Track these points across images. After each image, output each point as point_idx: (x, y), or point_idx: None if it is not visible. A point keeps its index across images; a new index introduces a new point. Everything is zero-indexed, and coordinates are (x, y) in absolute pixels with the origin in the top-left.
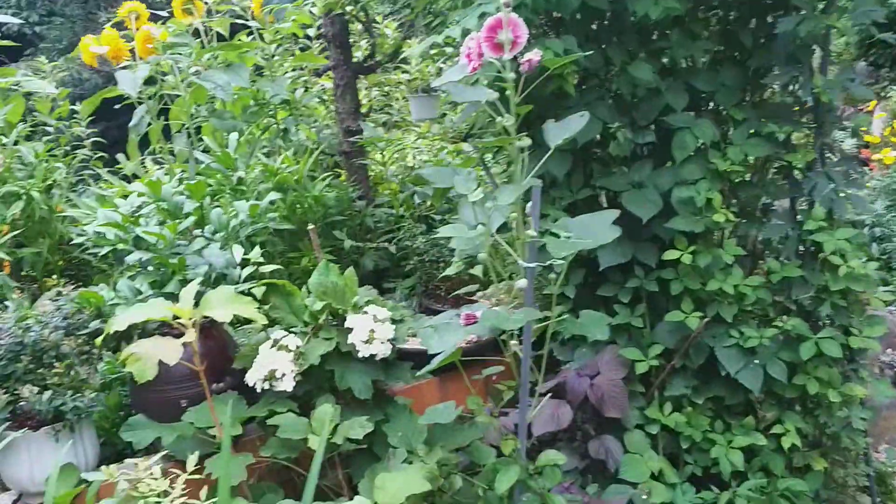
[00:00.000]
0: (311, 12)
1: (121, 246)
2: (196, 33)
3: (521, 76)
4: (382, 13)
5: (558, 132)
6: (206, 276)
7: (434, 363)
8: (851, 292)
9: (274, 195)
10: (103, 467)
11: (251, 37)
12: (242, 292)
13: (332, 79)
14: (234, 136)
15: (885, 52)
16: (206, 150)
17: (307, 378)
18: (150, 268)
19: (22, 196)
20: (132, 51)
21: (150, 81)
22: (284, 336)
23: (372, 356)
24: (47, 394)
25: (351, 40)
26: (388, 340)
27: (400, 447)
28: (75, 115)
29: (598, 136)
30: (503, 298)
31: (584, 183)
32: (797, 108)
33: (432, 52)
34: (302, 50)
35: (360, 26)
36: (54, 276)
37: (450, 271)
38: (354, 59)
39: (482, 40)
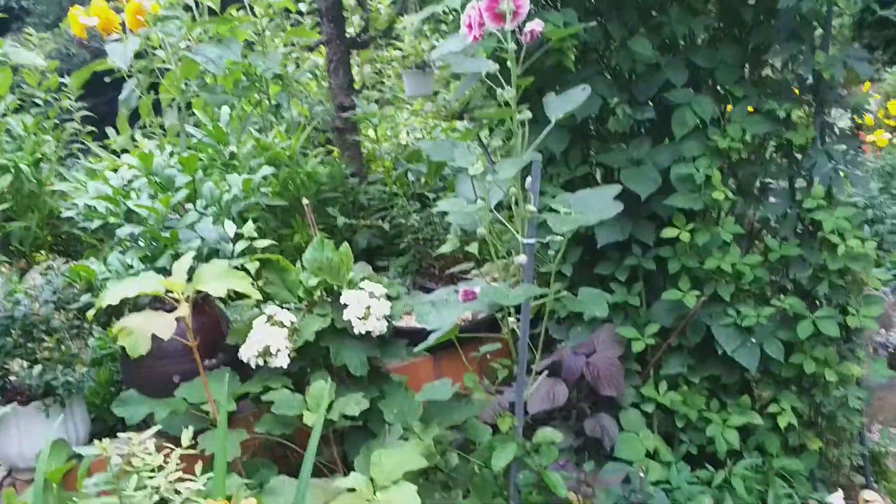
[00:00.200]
0: None
1: (112, 219)
2: (187, 7)
3: (522, 48)
4: None
5: (559, 105)
6: (199, 250)
7: (431, 339)
8: (849, 271)
9: (268, 169)
10: (96, 441)
11: (242, 11)
12: (236, 267)
13: (324, 54)
14: (225, 109)
15: (880, 34)
16: (196, 125)
17: (301, 354)
18: (141, 242)
19: (10, 169)
20: (122, 24)
21: (140, 55)
22: (279, 312)
23: (367, 333)
24: (37, 368)
25: (344, 15)
26: (384, 317)
27: (396, 424)
28: (64, 88)
29: (595, 113)
30: (498, 276)
31: (581, 160)
32: (797, 86)
33: (426, 27)
34: (294, 25)
35: (353, 1)
36: (43, 251)
37: (444, 249)
38: (348, 34)
39: (483, 9)
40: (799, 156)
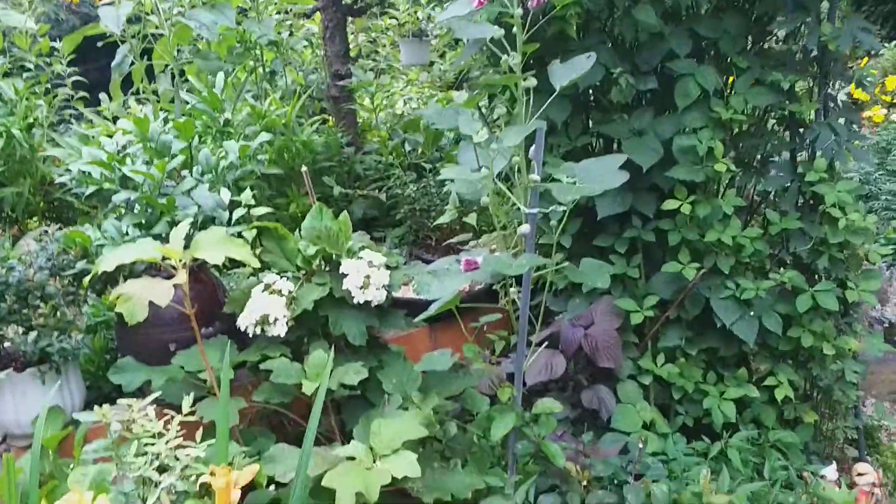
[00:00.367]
0: None
1: (107, 185)
2: None
3: (528, 13)
4: None
5: (564, 73)
6: (194, 218)
7: (433, 309)
8: (850, 245)
9: (265, 136)
10: (96, 407)
11: None
12: (233, 235)
13: (319, 22)
14: (220, 76)
15: (878, 8)
16: (190, 92)
17: (299, 324)
18: (136, 208)
19: (2, 133)
20: None
21: (132, 20)
22: (277, 280)
23: (366, 302)
24: (32, 335)
25: None
26: (384, 287)
27: (394, 394)
28: (56, 53)
29: (597, 83)
30: (497, 247)
31: (582, 130)
32: (801, 57)
33: None
34: None
35: None
36: (35, 218)
37: (443, 219)
38: (344, 1)
39: None
40: (801, 129)
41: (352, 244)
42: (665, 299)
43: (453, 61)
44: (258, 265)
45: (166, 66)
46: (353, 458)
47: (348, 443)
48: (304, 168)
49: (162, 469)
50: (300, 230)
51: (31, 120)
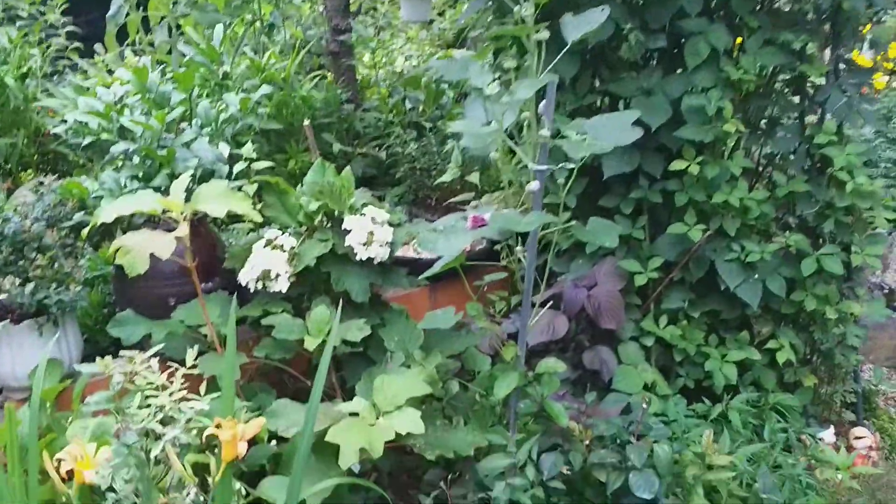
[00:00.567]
0: None
1: (104, 136)
2: None
3: None
4: None
5: (577, 26)
6: (194, 171)
7: (437, 266)
8: (856, 209)
9: (266, 88)
10: (98, 359)
11: None
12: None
13: None
14: (218, 28)
15: None
16: (187, 44)
17: (301, 280)
18: (135, 160)
19: None
20: None
21: None
22: (279, 236)
23: (369, 259)
24: (29, 286)
25: None
26: (387, 244)
27: (397, 352)
28: (49, 2)
29: (605, 39)
30: (498, 207)
31: (589, 88)
32: (814, 17)
33: None
34: None
35: None
36: (29, 171)
37: (445, 177)
38: None
39: None
40: (811, 90)
41: (355, 200)
42: (669, 261)
43: (455, 18)
44: (260, 219)
45: (163, 17)
46: (356, 414)
47: (349, 400)
48: (306, 122)
49: (165, 422)
50: (301, 186)
51: (24, 70)
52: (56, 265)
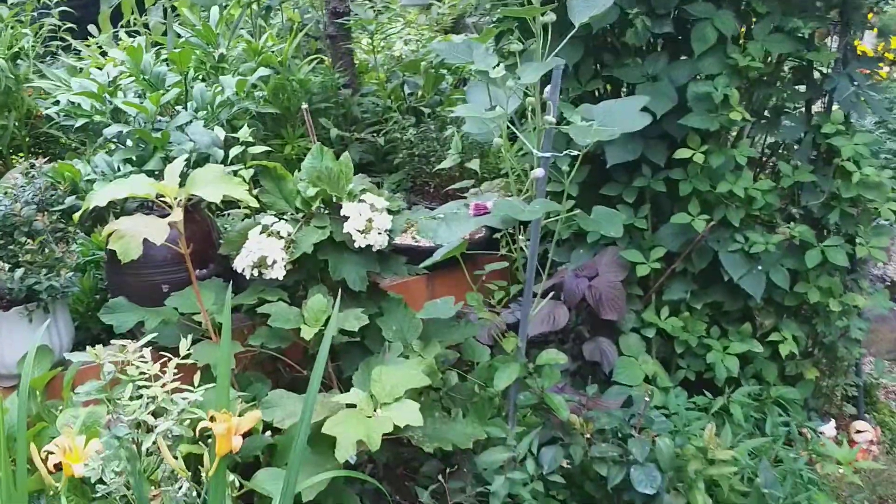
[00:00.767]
0: None
1: (97, 118)
2: None
3: None
4: None
5: (584, 9)
6: (188, 155)
7: (438, 255)
8: (862, 200)
9: (263, 71)
10: (89, 348)
11: None
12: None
13: None
14: (215, 9)
15: None
16: (183, 25)
17: (298, 267)
18: (129, 143)
19: None
20: None
21: None
22: (275, 222)
23: (367, 247)
24: (19, 271)
25: None
26: (385, 231)
27: (395, 342)
28: None
29: (610, 24)
30: (499, 194)
31: (593, 73)
32: (822, 5)
33: None
34: None
35: None
36: (21, 153)
37: (445, 164)
38: None
39: None
40: (818, 78)
41: (353, 187)
42: (672, 251)
43: (453, 3)
44: (256, 205)
45: None
46: (353, 406)
47: (345, 390)
48: (304, 105)
49: (158, 413)
50: (298, 171)
51: (16, 49)
52: (47, 250)
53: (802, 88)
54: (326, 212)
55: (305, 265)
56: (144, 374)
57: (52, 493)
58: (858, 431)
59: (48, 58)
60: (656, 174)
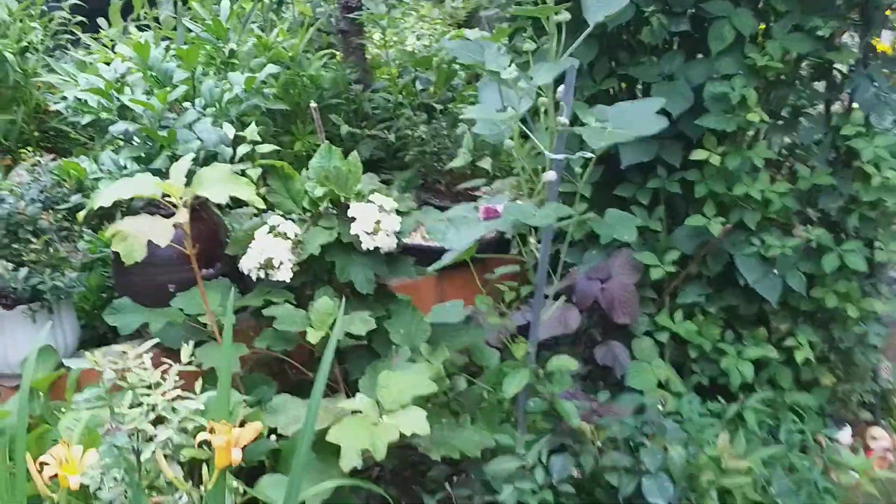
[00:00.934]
0: None
1: (104, 115)
2: None
3: None
4: None
5: (599, 7)
6: (196, 153)
7: (447, 259)
8: (881, 204)
9: (272, 67)
10: (87, 353)
11: None
12: (236, 173)
13: None
14: (225, 3)
15: None
16: (194, 20)
17: (305, 269)
18: (136, 140)
19: None
20: None
21: None
22: (282, 223)
23: (375, 249)
24: (23, 271)
25: None
26: (394, 233)
27: (402, 345)
28: None
29: (625, 22)
30: (510, 194)
31: (608, 72)
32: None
33: None
34: None
35: None
36: (29, 148)
37: (456, 163)
38: None
39: None
40: (837, 78)
41: (361, 187)
42: (686, 254)
43: None
44: (263, 205)
45: None
46: (358, 412)
47: (352, 393)
48: (312, 104)
49: (158, 421)
50: (306, 170)
51: (24, 43)
52: (51, 249)
53: (821, 88)
54: (334, 212)
55: (312, 266)
56: (144, 381)
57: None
58: (874, 438)
59: (58, 51)
60: (671, 175)
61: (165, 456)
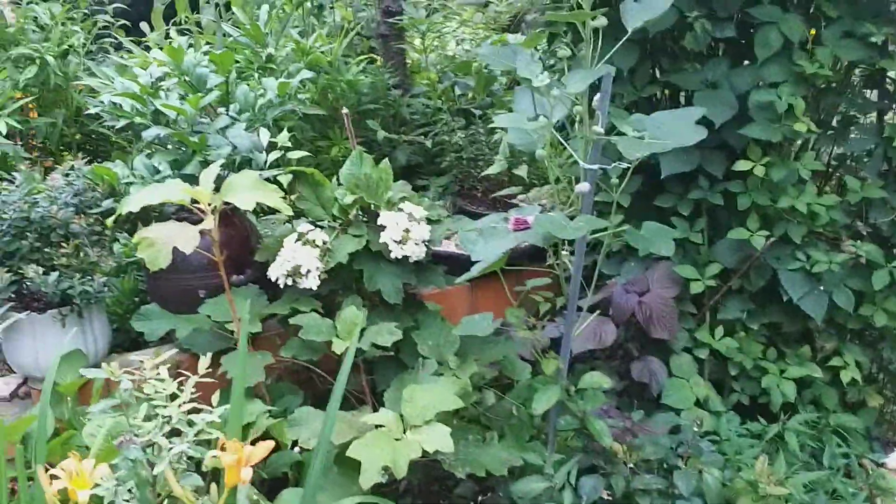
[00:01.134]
0: None
1: (138, 119)
2: None
3: None
4: None
5: (638, 13)
6: (229, 158)
7: (475, 270)
8: None
9: (306, 73)
10: (104, 364)
11: None
12: (268, 179)
13: None
14: (264, 8)
15: None
16: (235, 25)
17: (333, 277)
18: (168, 145)
19: (36, 60)
20: None
21: None
22: (311, 230)
23: (404, 258)
24: (53, 275)
25: None
26: (423, 242)
27: (430, 357)
28: None
29: (668, 27)
30: (547, 203)
31: (649, 79)
32: None
33: None
34: None
35: None
36: (71, 151)
37: (491, 170)
38: None
39: None
40: (890, 88)
41: (392, 195)
42: (728, 268)
43: (510, 1)
44: (290, 213)
45: None
46: (381, 427)
47: (379, 404)
48: (344, 110)
49: (174, 433)
50: (338, 177)
51: (66, 47)
52: (82, 254)
53: (874, 97)
54: (364, 220)
55: (341, 275)
56: (160, 393)
57: None
58: None
59: (100, 55)
60: (714, 186)
61: (184, 468)
